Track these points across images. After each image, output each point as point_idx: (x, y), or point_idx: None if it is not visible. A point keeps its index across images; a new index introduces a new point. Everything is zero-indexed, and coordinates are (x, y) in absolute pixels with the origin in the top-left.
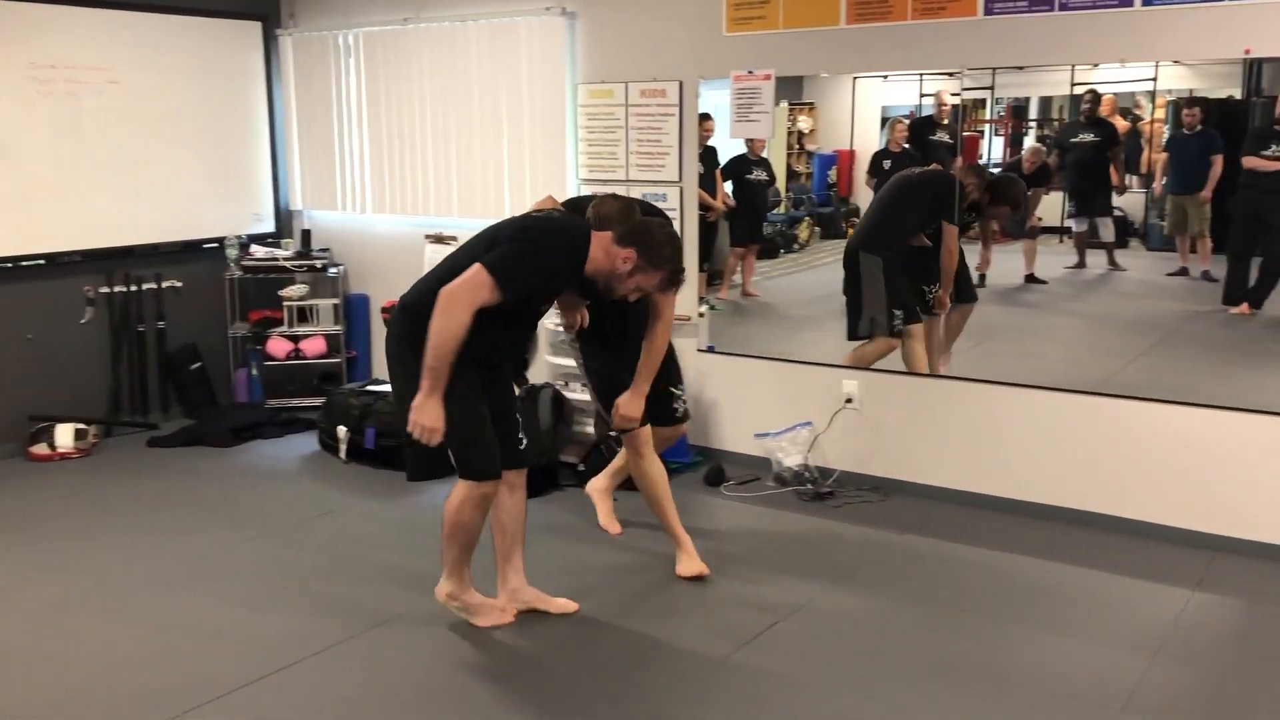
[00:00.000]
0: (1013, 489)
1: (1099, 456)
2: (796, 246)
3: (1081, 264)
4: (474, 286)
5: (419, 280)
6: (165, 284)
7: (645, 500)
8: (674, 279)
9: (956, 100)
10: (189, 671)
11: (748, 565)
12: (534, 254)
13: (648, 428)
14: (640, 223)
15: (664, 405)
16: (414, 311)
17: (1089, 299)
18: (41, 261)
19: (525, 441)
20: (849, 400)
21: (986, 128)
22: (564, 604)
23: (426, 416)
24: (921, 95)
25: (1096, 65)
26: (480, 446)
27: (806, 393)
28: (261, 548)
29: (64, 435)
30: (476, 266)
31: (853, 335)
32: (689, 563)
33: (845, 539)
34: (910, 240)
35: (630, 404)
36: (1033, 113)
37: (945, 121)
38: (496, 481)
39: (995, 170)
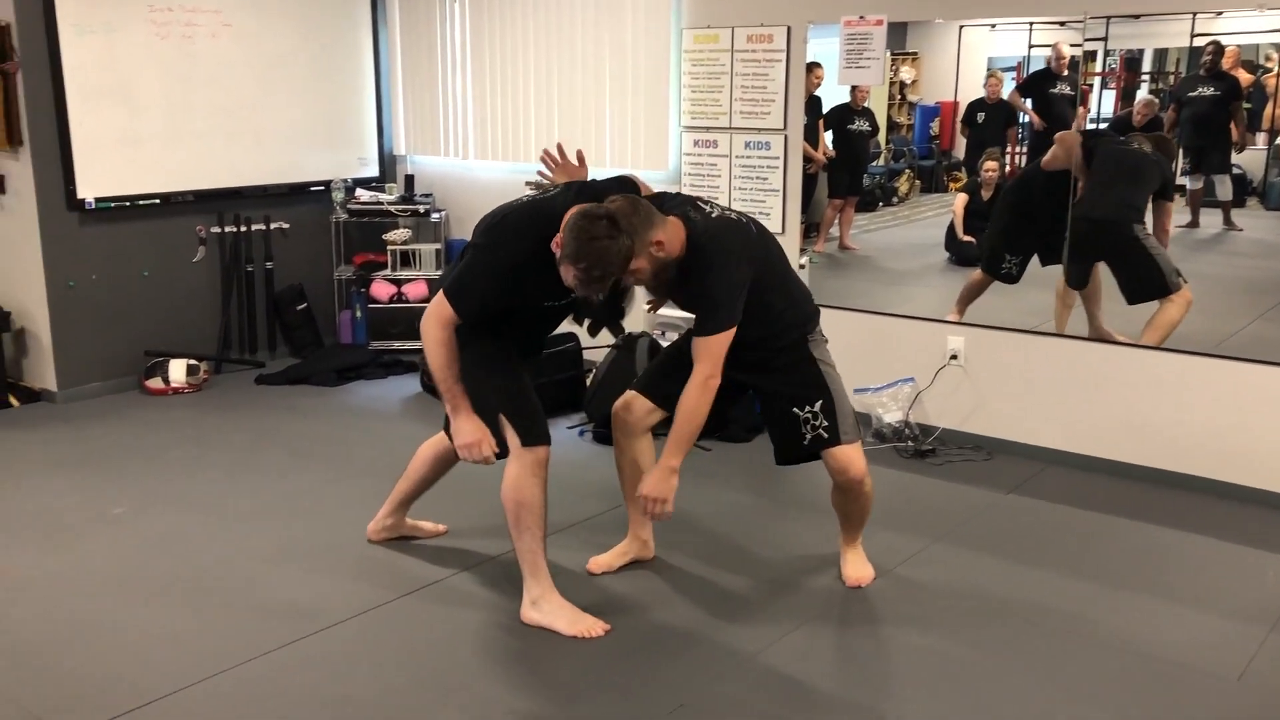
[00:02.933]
0: (1123, 452)
1: (1213, 420)
2: (896, 200)
3: (1195, 223)
4: (435, 316)
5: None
6: (273, 225)
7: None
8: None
9: (1077, 51)
10: (299, 600)
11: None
12: (485, 261)
13: (546, 451)
14: (579, 210)
15: (790, 433)
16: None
17: (1202, 259)
18: (157, 201)
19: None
20: (954, 357)
21: (1097, 80)
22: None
23: (464, 435)
24: (1031, 46)
25: (1220, 14)
26: (528, 413)
27: (909, 348)
28: (362, 485)
29: (177, 370)
30: (439, 293)
31: (1158, 293)
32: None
33: (947, 497)
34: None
35: (656, 484)
36: (1147, 65)
37: (1064, 74)
38: (548, 447)
39: (1103, 125)
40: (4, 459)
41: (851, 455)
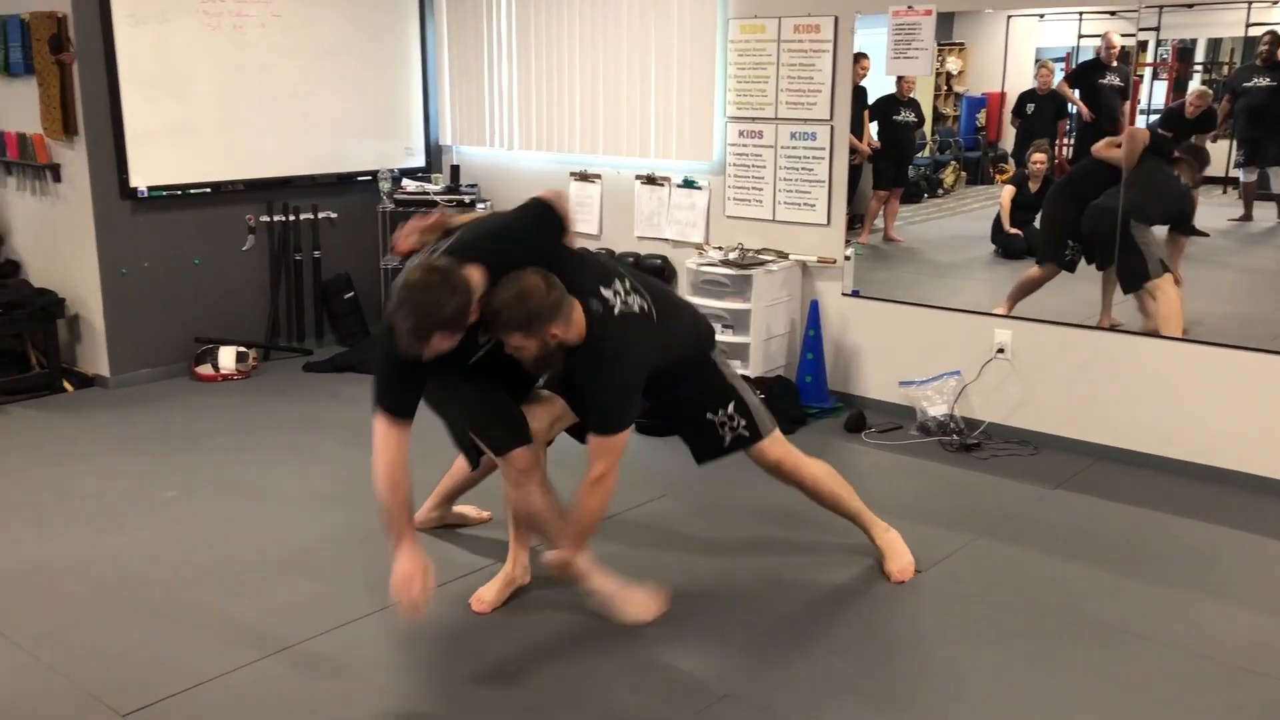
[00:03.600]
0: (1172, 447)
1: (1266, 416)
2: (941, 191)
3: (1248, 216)
4: (375, 427)
5: None
6: (321, 215)
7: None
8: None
9: (1129, 41)
10: (346, 584)
11: (889, 514)
12: (380, 358)
13: (526, 453)
14: (419, 264)
15: (708, 438)
16: None
17: (1256, 253)
18: (207, 190)
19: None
20: (1000, 350)
21: (1147, 71)
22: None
23: (395, 574)
24: (1080, 36)
25: (1277, 3)
26: (493, 421)
27: (954, 341)
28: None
29: (226, 357)
30: None
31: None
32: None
33: (993, 491)
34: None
35: (558, 558)
36: (1200, 55)
37: (1114, 64)
38: (525, 447)
39: (1154, 117)
40: (58, 443)
41: (776, 447)
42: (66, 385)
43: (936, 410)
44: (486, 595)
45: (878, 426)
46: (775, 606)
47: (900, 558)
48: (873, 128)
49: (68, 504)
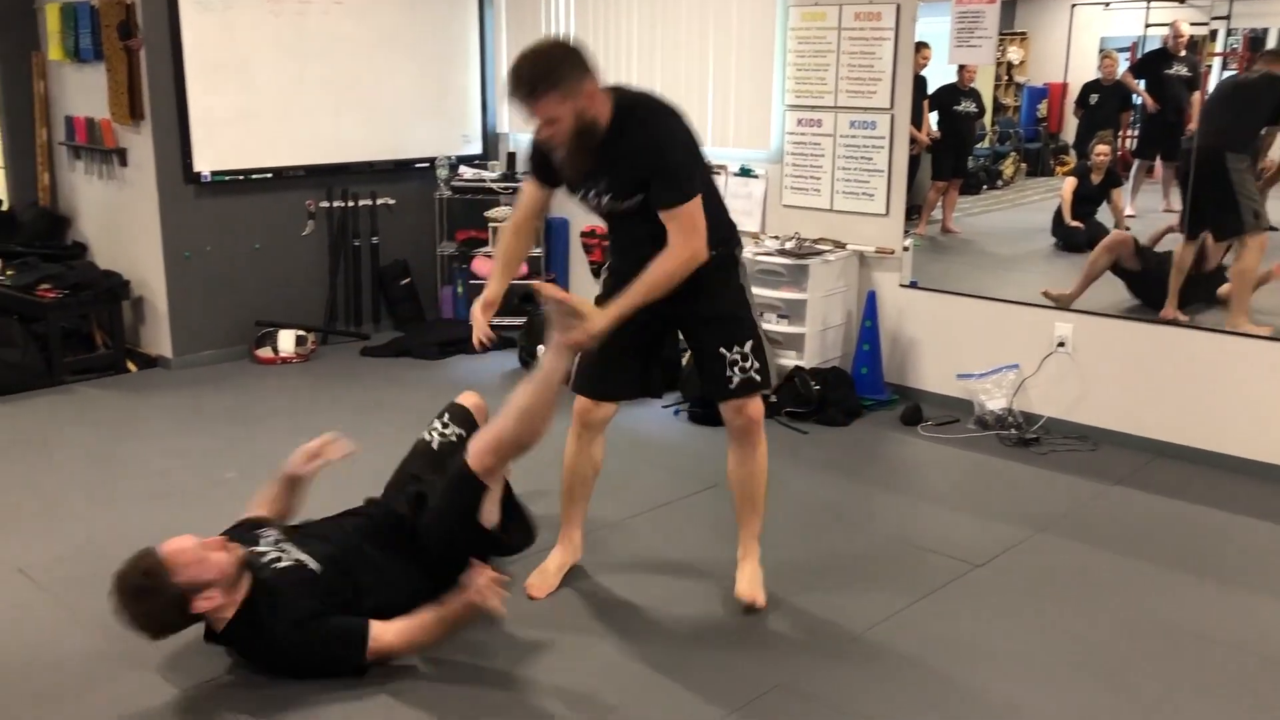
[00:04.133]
0: (1236, 445)
1: None
2: (1000, 183)
3: None
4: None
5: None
6: (379, 201)
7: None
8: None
9: (1198, 30)
10: None
11: (945, 507)
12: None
13: (603, 407)
14: None
15: (715, 370)
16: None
17: None
18: (269, 175)
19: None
20: (1061, 344)
21: (1216, 61)
22: None
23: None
24: (1147, 25)
25: None
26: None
27: (1014, 334)
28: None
29: (286, 341)
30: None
31: (1232, 233)
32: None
33: (1051, 487)
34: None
35: (592, 313)
36: (1271, 44)
37: (1181, 54)
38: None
39: None
40: (122, 422)
41: (759, 410)
42: (130, 365)
43: (994, 404)
44: (542, 580)
45: (934, 419)
46: (825, 598)
47: (758, 585)
48: (932, 117)
49: (131, 482)
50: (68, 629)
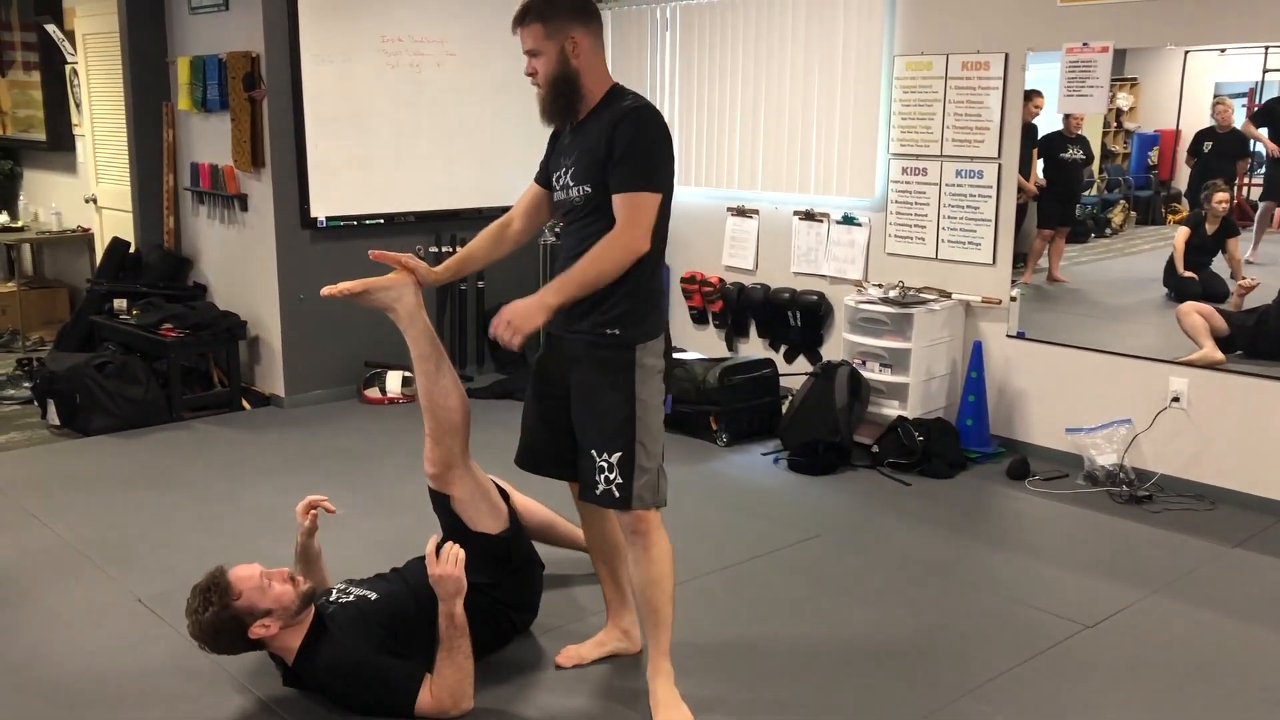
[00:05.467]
0: None
1: None
2: (1109, 231)
3: None
4: None
5: None
6: None
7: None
8: None
9: None
10: None
11: (1054, 565)
12: None
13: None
14: None
15: (585, 466)
16: None
17: None
18: (381, 221)
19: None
20: (1176, 399)
21: None
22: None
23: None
24: (1265, 70)
25: None
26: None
27: (1126, 388)
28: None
29: (393, 382)
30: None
31: None
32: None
33: (1165, 546)
34: None
35: (522, 310)
36: None
37: None
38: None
39: None
40: (235, 459)
41: (640, 520)
42: (245, 403)
43: (1105, 459)
44: (575, 651)
45: (1042, 474)
46: (928, 656)
47: (676, 708)
48: (1039, 165)
49: (245, 517)
50: (184, 657)
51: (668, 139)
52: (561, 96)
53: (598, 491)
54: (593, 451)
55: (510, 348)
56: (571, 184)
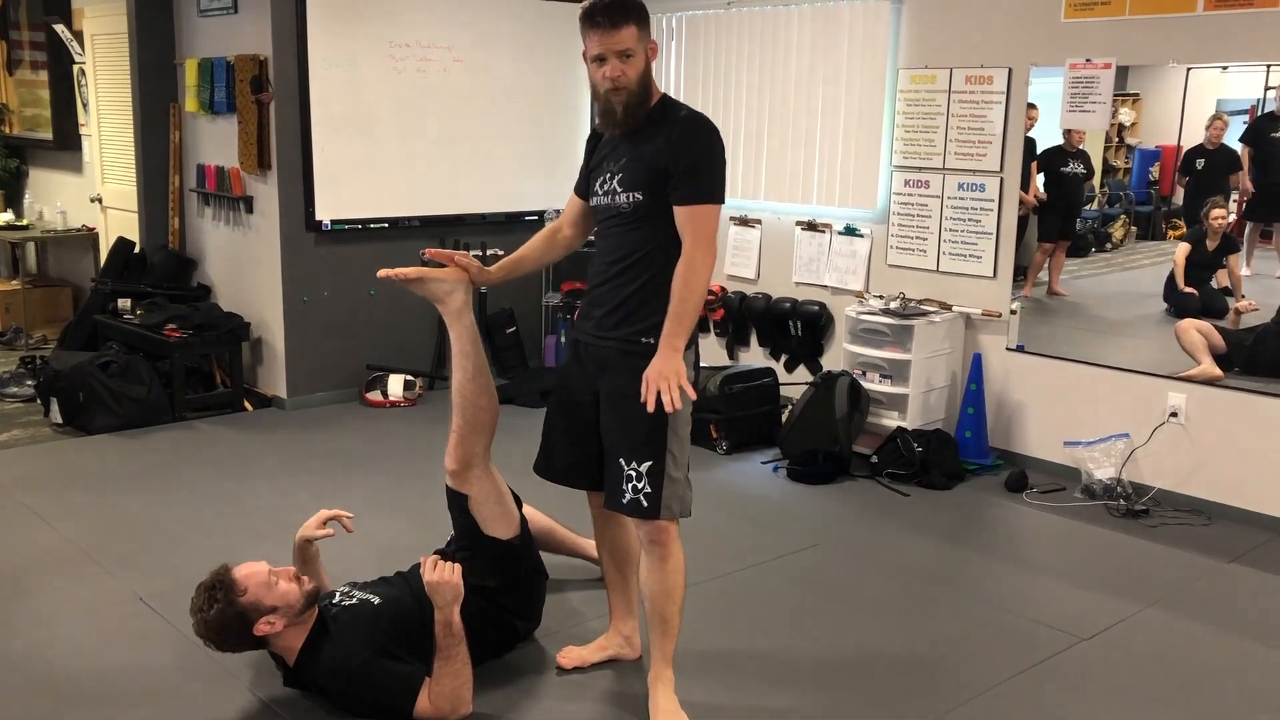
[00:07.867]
0: None
1: None
2: (1109, 246)
3: None
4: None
5: None
6: (490, 251)
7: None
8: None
9: None
10: None
11: (1049, 577)
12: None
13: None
14: None
15: (613, 475)
16: None
17: None
18: (385, 225)
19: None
20: (1174, 414)
21: None
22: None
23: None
24: (1267, 88)
25: None
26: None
27: (1124, 402)
28: (561, 501)
29: (395, 385)
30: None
31: None
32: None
33: (1162, 561)
34: None
35: (664, 364)
36: None
37: None
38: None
39: None
40: (237, 460)
41: (662, 530)
42: (247, 405)
43: (1103, 473)
44: (576, 652)
45: (1040, 486)
46: (924, 666)
47: (662, 715)
48: (1039, 179)
49: (246, 517)
50: (186, 655)
51: (724, 149)
52: (642, 103)
53: (625, 500)
54: (621, 460)
55: (679, 403)
56: (619, 189)
